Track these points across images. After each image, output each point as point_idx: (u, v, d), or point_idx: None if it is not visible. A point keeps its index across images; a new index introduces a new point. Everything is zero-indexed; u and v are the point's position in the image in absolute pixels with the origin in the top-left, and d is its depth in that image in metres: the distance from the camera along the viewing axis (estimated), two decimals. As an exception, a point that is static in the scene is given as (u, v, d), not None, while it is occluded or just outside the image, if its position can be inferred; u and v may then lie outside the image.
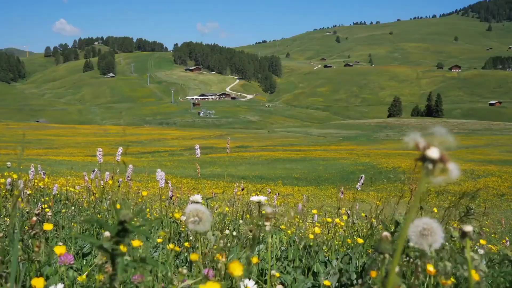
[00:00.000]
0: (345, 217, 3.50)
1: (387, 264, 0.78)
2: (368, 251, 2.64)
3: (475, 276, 1.03)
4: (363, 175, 3.16)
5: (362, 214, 4.68)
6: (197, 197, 1.41)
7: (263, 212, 1.01)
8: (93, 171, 4.15)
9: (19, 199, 2.81)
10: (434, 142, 0.54)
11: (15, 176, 4.02)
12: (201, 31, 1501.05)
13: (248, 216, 4.13)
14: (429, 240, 0.74)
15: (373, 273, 0.86)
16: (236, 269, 0.87)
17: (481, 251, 2.08)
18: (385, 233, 0.82)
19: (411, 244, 1.27)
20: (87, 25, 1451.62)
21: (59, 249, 1.34)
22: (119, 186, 3.71)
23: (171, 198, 3.15)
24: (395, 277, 0.65)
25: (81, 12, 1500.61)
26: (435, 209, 3.65)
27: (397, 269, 0.69)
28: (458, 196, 2.63)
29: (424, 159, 0.54)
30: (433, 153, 0.53)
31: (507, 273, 1.45)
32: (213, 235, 1.29)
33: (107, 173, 3.68)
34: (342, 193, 3.18)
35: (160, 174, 2.99)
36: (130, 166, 3.20)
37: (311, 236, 2.30)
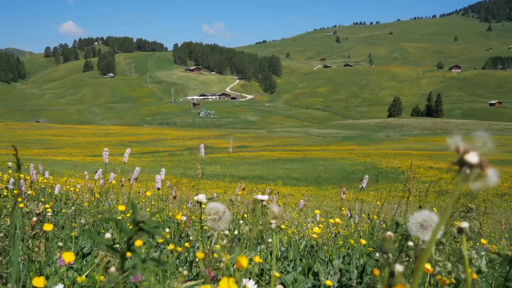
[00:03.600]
0: (345, 211, 3.50)
1: (390, 264, 0.78)
2: (369, 250, 2.64)
3: (473, 275, 1.02)
4: (367, 176, 3.15)
5: (363, 215, 4.68)
6: (201, 197, 1.41)
7: (268, 211, 1.01)
8: (95, 172, 4.15)
9: (19, 199, 2.81)
10: (474, 147, 0.52)
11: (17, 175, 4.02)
12: (206, 32, 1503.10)
13: (246, 215, 4.13)
14: (429, 231, 0.75)
15: (376, 272, 0.85)
16: (243, 262, 0.87)
17: (482, 252, 2.08)
18: (389, 233, 0.82)
19: (411, 243, 1.27)
20: (88, 25, 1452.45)
21: (68, 256, 1.32)
22: (121, 186, 3.71)
23: (174, 197, 3.15)
24: (401, 277, 0.65)
25: (82, 13, 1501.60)
26: (434, 209, 3.65)
27: (401, 268, 0.69)
28: (459, 196, 2.63)
29: (462, 163, 0.52)
30: (472, 157, 0.51)
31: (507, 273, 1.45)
32: (214, 235, 1.29)
33: (112, 174, 3.68)
34: (344, 193, 3.17)
35: (158, 176, 3.02)
36: (137, 168, 3.20)
37: (315, 236, 2.30)
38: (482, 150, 0.52)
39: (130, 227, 0.76)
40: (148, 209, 5.27)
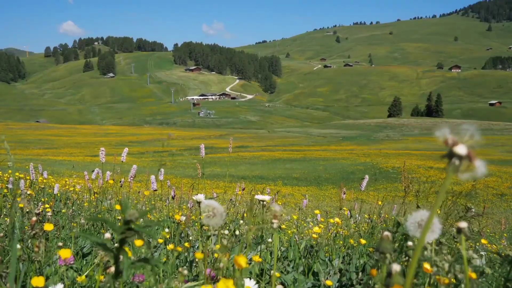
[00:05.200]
0: (346, 212, 3.49)
1: (388, 264, 0.77)
2: (369, 250, 2.63)
3: (472, 274, 1.02)
4: (366, 176, 3.15)
5: (365, 216, 4.68)
6: (200, 197, 1.41)
7: (271, 209, 1.01)
8: (93, 171, 4.14)
9: (19, 199, 2.80)
10: (462, 139, 0.54)
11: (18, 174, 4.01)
12: (205, 32, 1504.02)
13: (246, 215, 4.12)
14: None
15: (373, 272, 0.85)
16: (241, 262, 0.87)
17: (482, 252, 2.07)
18: (386, 233, 0.82)
19: (410, 243, 1.27)
20: (88, 25, 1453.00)
21: (64, 252, 1.33)
22: (121, 186, 3.70)
23: (173, 198, 3.15)
24: (398, 276, 0.65)
25: (82, 13, 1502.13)
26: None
27: (398, 268, 0.69)
28: (459, 196, 2.63)
29: (451, 155, 0.54)
30: (461, 149, 0.53)
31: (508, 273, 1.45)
32: (215, 234, 1.29)
33: (108, 172, 3.68)
34: (344, 193, 3.17)
35: (153, 177, 3.02)
36: (134, 166, 3.19)
37: (315, 236, 2.30)
38: (469, 142, 0.54)
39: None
40: (147, 209, 5.26)
